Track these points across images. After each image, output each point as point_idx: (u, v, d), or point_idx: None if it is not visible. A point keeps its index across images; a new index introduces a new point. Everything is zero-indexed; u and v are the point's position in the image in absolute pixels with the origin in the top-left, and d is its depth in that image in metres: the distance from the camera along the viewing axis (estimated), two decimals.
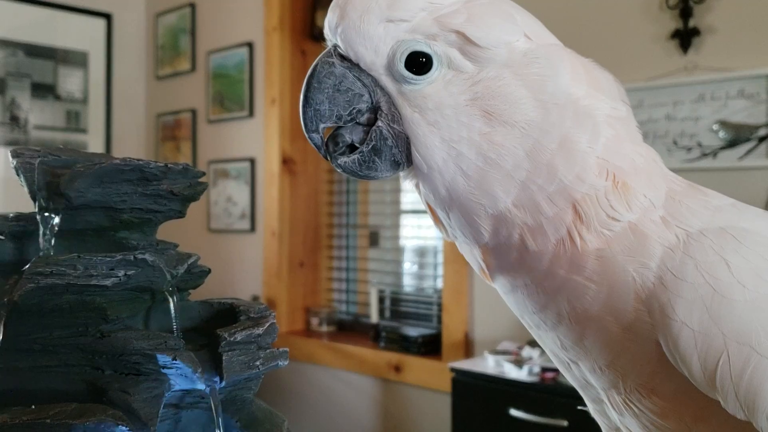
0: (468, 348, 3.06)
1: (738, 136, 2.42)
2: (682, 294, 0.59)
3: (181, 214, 0.68)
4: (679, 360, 0.59)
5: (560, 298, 0.65)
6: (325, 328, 3.73)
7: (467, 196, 0.64)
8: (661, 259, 0.61)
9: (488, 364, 2.60)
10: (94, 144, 4.36)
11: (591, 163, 0.64)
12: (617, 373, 0.64)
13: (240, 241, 4.00)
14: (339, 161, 0.68)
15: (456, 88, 0.65)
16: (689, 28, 2.50)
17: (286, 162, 3.75)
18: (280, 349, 0.64)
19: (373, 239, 3.76)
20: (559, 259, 0.64)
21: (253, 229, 3.91)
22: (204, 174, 0.68)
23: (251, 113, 3.90)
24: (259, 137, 3.86)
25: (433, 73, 0.65)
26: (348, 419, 3.51)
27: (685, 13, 2.51)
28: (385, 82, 0.66)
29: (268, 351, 0.63)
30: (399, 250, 3.69)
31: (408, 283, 3.67)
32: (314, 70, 0.67)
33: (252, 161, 3.90)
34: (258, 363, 0.61)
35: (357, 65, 0.67)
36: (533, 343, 2.68)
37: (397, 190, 3.65)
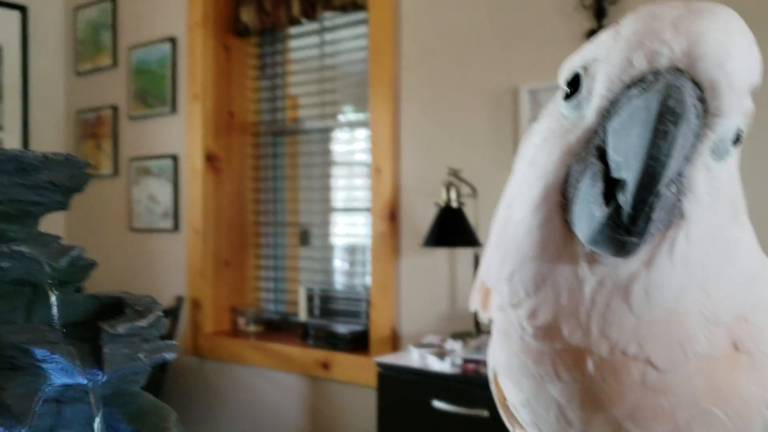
0: (395, 343, 3.08)
1: None
2: None
3: (63, 206, 0.66)
4: None
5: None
6: (252, 328, 3.69)
7: (695, 306, 0.49)
8: None
9: (413, 357, 2.63)
10: (10, 142, 4.19)
11: None
12: None
13: (163, 240, 3.91)
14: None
15: (734, 172, 0.52)
16: (603, 28, 2.58)
17: (210, 159, 3.69)
18: (167, 342, 0.63)
19: (304, 238, 3.75)
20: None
21: (176, 227, 3.83)
22: (89, 165, 0.66)
23: (174, 109, 3.82)
24: (181, 134, 3.79)
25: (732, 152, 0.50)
26: (276, 418, 3.49)
27: (599, 13, 2.60)
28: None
29: (152, 343, 0.62)
30: (329, 248, 3.69)
31: (339, 281, 3.67)
32: (673, 103, 0.43)
33: (174, 158, 3.82)
34: (141, 355, 0.60)
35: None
36: (456, 336, 2.72)
37: (327, 188, 3.65)
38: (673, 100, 0.43)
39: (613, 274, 0.47)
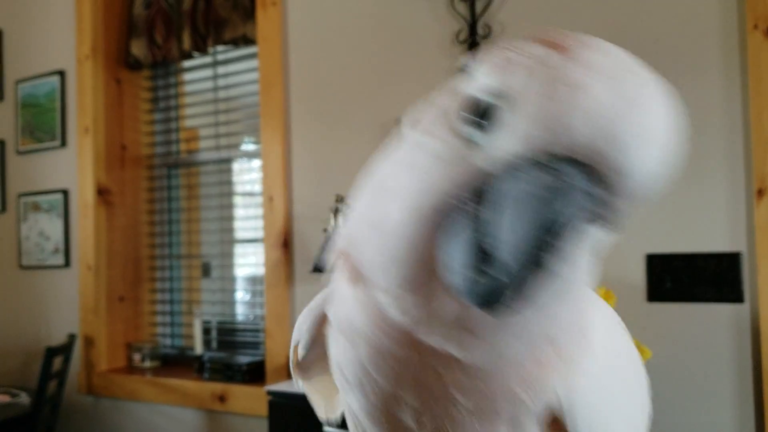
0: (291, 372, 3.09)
1: None
2: None
3: None
4: None
5: None
6: (148, 364, 3.61)
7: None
8: None
9: None
10: None
11: None
12: None
13: (54, 277, 3.80)
14: None
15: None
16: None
17: (102, 192, 3.63)
18: None
19: (205, 270, 3.72)
20: None
21: (67, 264, 3.73)
22: None
23: (64, 143, 3.75)
24: (72, 168, 3.71)
25: None
26: None
27: (473, 47, 2.75)
28: None
29: None
30: (229, 280, 3.67)
31: (238, 312, 3.65)
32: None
33: (65, 193, 3.74)
34: None
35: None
36: None
37: (226, 219, 3.65)
38: (573, 199, 0.44)
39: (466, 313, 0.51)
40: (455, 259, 0.47)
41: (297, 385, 0.79)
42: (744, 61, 2.27)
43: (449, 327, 0.52)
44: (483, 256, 0.46)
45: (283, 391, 2.64)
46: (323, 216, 2.89)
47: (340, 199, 2.76)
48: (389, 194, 0.54)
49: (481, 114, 0.48)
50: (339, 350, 0.62)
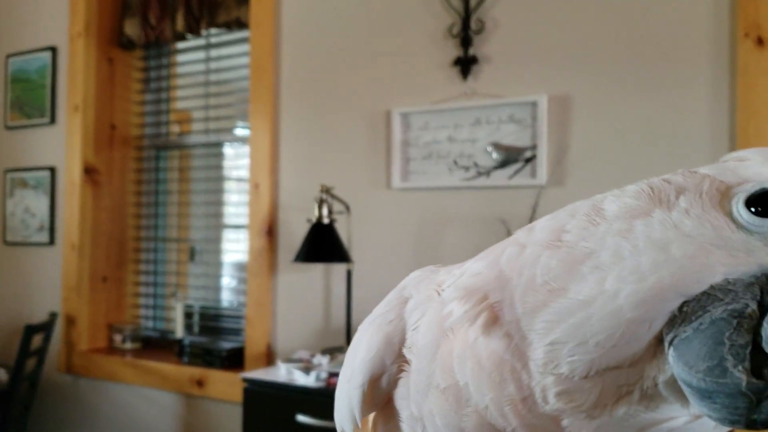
0: (270, 359, 3.09)
1: (508, 157, 2.66)
2: None
3: None
4: None
5: None
6: (129, 345, 3.61)
7: None
8: None
9: (280, 372, 2.65)
10: None
11: None
12: None
13: (38, 254, 3.79)
14: None
15: None
16: (469, 57, 2.72)
17: (89, 172, 3.61)
18: None
19: (191, 254, 3.71)
20: None
21: (52, 242, 3.72)
22: None
23: (53, 120, 3.73)
24: (60, 145, 3.69)
25: None
26: None
27: (466, 42, 2.73)
28: None
29: None
30: (214, 265, 3.66)
31: (221, 298, 3.64)
32: None
33: (52, 170, 3.72)
34: None
35: None
36: (326, 351, 2.76)
37: (213, 204, 3.63)
38: None
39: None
40: (705, 360, 0.41)
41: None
42: (733, 70, 2.26)
43: (610, 431, 0.47)
44: (761, 363, 0.40)
45: (258, 378, 2.64)
46: (309, 206, 2.88)
47: (325, 189, 2.75)
48: (612, 268, 0.46)
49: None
50: (429, 402, 0.55)
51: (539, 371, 0.48)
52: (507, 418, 0.50)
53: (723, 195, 0.46)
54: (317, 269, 3.01)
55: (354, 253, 2.82)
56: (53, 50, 3.74)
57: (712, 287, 0.43)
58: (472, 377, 0.51)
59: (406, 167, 2.82)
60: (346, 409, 0.63)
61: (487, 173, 2.69)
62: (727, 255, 0.43)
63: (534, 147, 2.58)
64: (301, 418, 2.46)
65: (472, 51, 2.72)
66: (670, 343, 0.43)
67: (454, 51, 2.75)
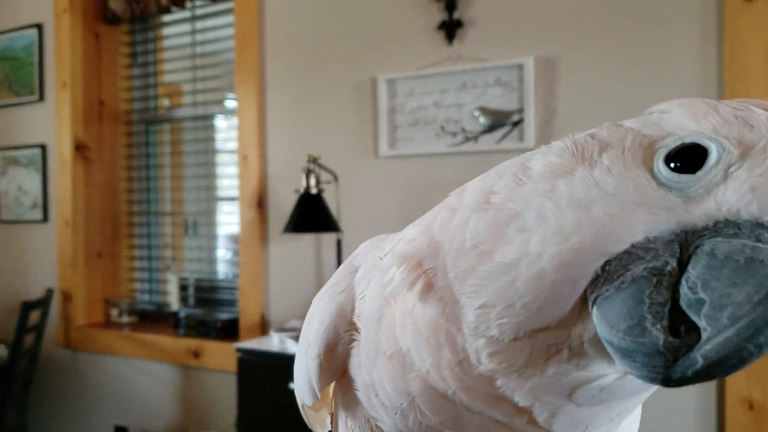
0: (264, 329, 3.11)
1: (495, 121, 2.64)
2: None
3: None
4: None
5: None
6: (125, 319, 3.64)
7: None
8: None
9: (273, 342, 2.67)
10: None
11: None
12: None
13: (32, 231, 3.80)
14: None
15: None
16: (454, 20, 2.69)
17: (80, 148, 3.61)
18: None
19: (186, 227, 3.72)
20: None
21: (45, 219, 3.73)
22: None
23: (42, 97, 3.71)
24: (50, 122, 3.68)
25: None
26: (148, 408, 3.46)
27: (450, 5, 2.70)
28: None
29: None
30: (208, 238, 3.67)
31: (215, 270, 3.66)
32: None
33: (43, 147, 3.72)
34: None
35: None
36: None
37: (204, 176, 3.63)
38: None
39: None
40: (625, 320, 0.41)
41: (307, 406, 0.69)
42: (721, 26, 2.23)
43: (543, 390, 0.47)
44: (679, 321, 0.40)
45: (251, 348, 2.66)
46: (299, 176, 2.87)
47: (312, 159, 2.74)
48: (536, 229, 0.45)
49: (689, 162, 0.43)
50: (378, 369, 0.56)
51: (471, 334, 0.48)
52: (447, 381, 0.50)
53: (646, 150, 0.45)
54: (308, 239, 3.02)
55: (343, 222, 2.83)
56: (39, 27, 3.71)
57: (633, 246, 0.42)
58: (413, 343, 0.52)
59: (393, 135, 2.81)
60: (305, 382, 0.64)
61: (475, 138, 2.67)
62: (648, 213, 0.43)
63: (521, 110, 2.57)
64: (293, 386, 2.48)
65: (456, 14, 2.69)
66: (594, 303, 0.43)
67: (438, 15, 2.72)
